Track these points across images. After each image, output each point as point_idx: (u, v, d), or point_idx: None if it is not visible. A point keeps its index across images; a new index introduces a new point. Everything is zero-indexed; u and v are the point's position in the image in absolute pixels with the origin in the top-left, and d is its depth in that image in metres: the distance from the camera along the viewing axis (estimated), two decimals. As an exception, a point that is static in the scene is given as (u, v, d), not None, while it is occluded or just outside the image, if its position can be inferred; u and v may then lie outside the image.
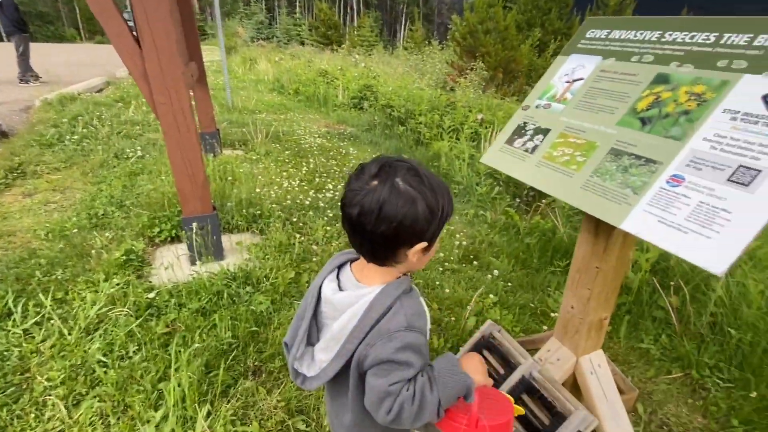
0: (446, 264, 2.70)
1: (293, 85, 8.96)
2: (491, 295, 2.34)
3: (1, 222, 2.99)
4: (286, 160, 4.57)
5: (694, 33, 1.09)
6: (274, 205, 3.29)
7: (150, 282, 2.37)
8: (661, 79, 1.10)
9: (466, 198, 4.04)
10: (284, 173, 4.13)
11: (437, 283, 2.47)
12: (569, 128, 1.26)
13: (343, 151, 5.18)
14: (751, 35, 0.99)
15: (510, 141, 1.43)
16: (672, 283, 2.16)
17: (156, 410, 1.56)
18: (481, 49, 10.20)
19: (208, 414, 1.58)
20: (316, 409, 1.63)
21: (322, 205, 3.42)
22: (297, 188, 3.77)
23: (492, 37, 10.45)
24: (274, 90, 9.36)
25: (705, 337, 1.93)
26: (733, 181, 0.86)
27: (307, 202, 3.43)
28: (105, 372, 1.73)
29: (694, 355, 1.90)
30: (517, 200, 3.94)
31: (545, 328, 2.11)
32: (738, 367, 1.80)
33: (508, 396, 0.84)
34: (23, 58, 8.36)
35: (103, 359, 1.77)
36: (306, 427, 1.58)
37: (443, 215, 0.77)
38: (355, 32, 30.04)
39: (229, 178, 3.82)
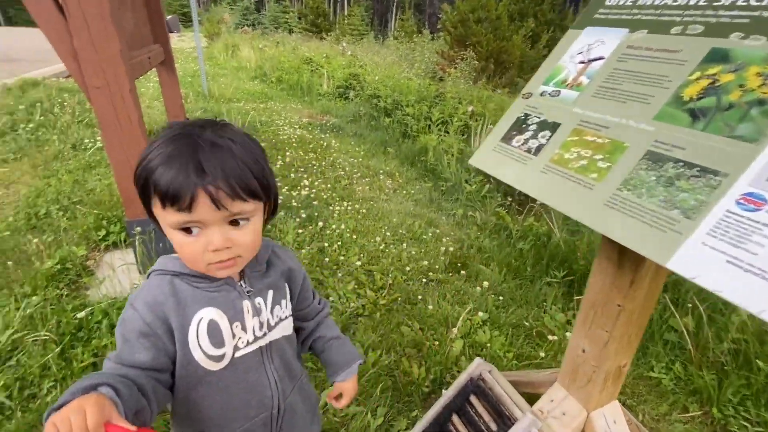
0: (431, 274, 2.41)
1: (276, 73, 8.53)
2: (480, 312, 2.05)
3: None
4: (262, 153, 4.21)
5: (765, -8, 0.79)
6: (241, 205, 2.94)
7: (87, 295, 2.04)
8: (718, 57, 0.80)
9: (454, 197, 3.75)
10: (257, 168, 3.78)
11: (419, 297, 2.17)
12: (586, 122, 0.96)
13: (324, 144, 4.84)
14: None
15: (507, 138, 1.13)
16: (686, 303, 1.89)
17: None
18: (472, 38, 9.84)
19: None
20: None
21: (295, 204, 3.10)
22: (269, 185, 3.42)
23: (483, 26, 10.10)
24: (256, 78, 8.92)
25: (726, 367, 1.67)
26: None
27: (279, 201, 3.10)
28: (9, 417, 1.41)
29: (714, 389, 1.63)
30: (509, 199, 3.65)
31: (542, 354, 1.83)
32: (768, 406, 1.54)
33: None
34: None
35: (6, 400, 1.45)
36: None
37: (141, 182, 0.63)
38: (345, 21, 29.42)
39: (195, 172, 3.46)
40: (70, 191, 3.08)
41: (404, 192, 3.73)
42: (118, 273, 2.20)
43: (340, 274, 2.29)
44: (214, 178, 0.60)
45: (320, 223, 2.84)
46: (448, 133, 5.06)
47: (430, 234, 2.88)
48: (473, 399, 1.27)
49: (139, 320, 0.66)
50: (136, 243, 2.09)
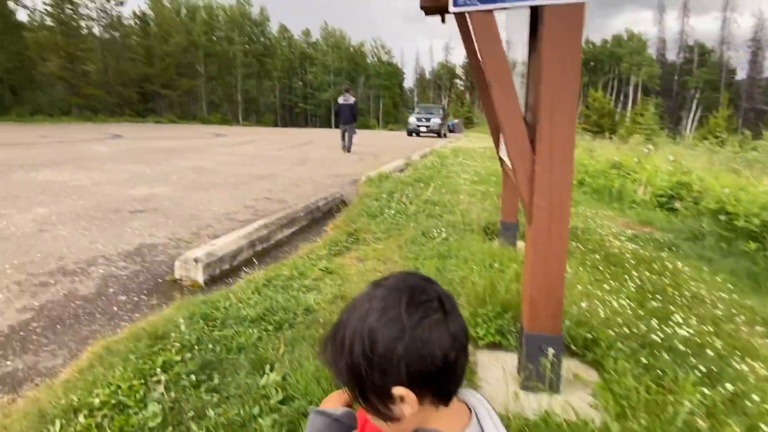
0: None
1: (578, 176, 8.34)
2: None
3: (346, 284, 3.42)
4: (597, 267, 3.89)
5: None
6: (609, 331, 2.63)
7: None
8: None
9: None
10: (604, 286, 3.45)
11: None
12: None
13: (670, 266, 4.10)
14: None
15: None
16: None
17: None
18: None
19: None
20: None
21: (680, 347, 2.55)
22: (629, 311, 3.01)
23: None
24: (553, 179, 8.95)
25: None
26: None
27: (656, 338, 2.62)
28: None
29: None
30: None
31: None
32: None
33: None
34: (352, 139, 12.62)
35: None
36: None
37: None
38: (630, 119, 27.53)
39: (542, 280, 3.42)
40: (435, 276, 3.51)
41: (842, 364, 2.59)
42: (499, 379, 2.19)
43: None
44: None
45: (729, 386, 2.19)
46: None
47: None
48: None
49: None
50: (547, 362, 2.03)
